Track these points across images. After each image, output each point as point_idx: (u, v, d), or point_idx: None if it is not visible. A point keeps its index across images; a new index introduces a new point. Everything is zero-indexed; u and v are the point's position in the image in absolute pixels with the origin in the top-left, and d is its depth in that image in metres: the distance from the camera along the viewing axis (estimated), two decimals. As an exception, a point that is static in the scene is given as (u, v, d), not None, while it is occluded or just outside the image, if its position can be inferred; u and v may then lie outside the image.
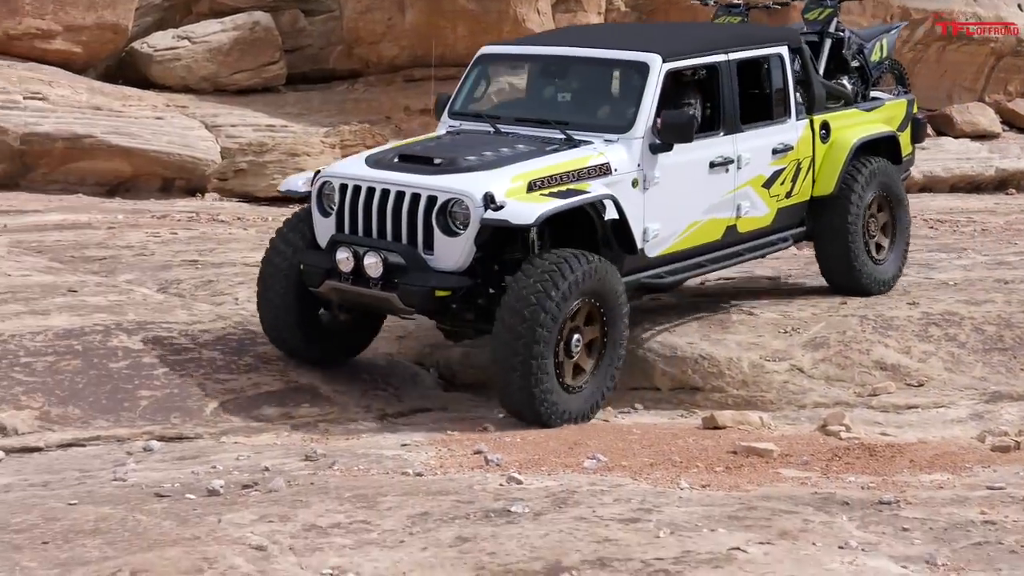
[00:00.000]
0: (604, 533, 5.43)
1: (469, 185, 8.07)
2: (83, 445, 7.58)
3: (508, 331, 7.92)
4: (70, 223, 12.67)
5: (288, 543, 5.22)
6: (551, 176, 8.33)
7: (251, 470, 6.77)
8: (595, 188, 8.41)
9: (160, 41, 17.56)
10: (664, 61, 8.97)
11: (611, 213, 8.50)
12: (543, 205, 8.04)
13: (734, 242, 9.66)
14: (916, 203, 17.95)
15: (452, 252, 8.09)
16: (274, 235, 9.01)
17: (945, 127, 21.12)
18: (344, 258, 8.30)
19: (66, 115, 14.98)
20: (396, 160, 8.60)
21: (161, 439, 7.65)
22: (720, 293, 10.72)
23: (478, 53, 9.82)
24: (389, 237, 8.23)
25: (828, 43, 10.96)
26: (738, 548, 5.34)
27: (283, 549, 5.15)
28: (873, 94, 11.28)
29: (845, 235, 10.19)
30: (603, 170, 8.58)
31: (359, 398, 8.70)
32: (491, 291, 8.25)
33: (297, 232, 8.83)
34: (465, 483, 6.36)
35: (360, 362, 9.27)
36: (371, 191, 8.32)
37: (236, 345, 9.04)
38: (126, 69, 17.56)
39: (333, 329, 9.01)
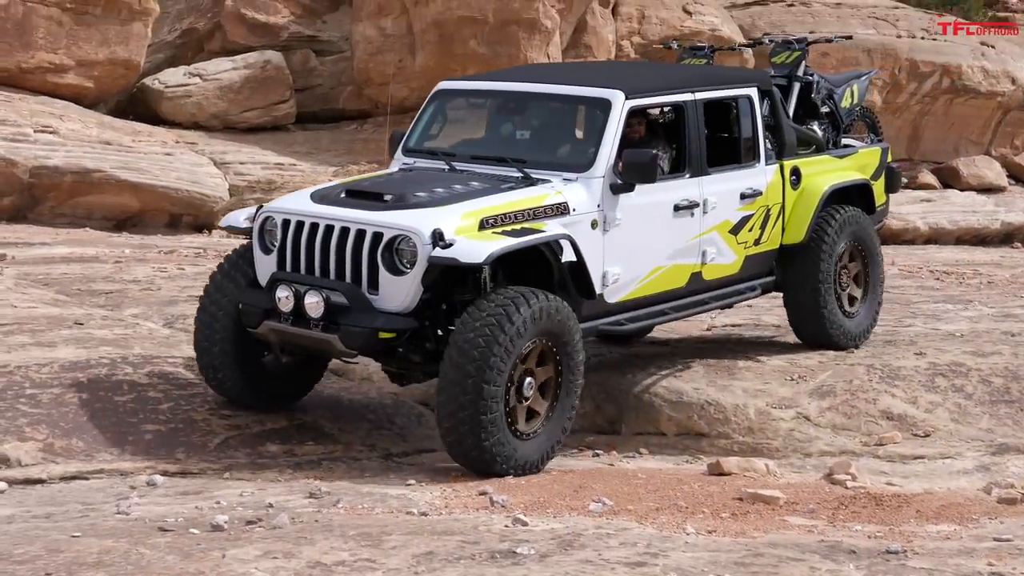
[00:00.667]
0: (610, 576, 5.39)
1: (417, 222, 7.68)
2: (86, 478, 7.56)
3: (455, 374, 7.49)
4: (77, 256, 12.68)
5: (292, 580, 5.19)
6: (504, 214, 7.94)
7: (255, 506, 6.73)
8: (551, 228, 8.03)
9: (171, 78, 17.67)
10: (627, 98, 8.61)
11: (568, 255, 8.10)
12: (494, 243, 7.66)
13: (699, 290, 9.23)
14: (922, 254, 18.05)
15: (398, 292, 7.69)
16: (212, 273, 8.60)
17: (951, 180, 21.22)
18: (284, 297, 7.86)
19: (76, 149, 15.03)
20: (343, 195, 8.19)
21: (164, 474, 7.62)
22: (726, 340, 10.70)
23: (435, 88, 9.45)
24: (332, 275, 7.82)
25: (797, 87, 10.66)
26: (745, 594, 5.30)
27: (287, 586, 5.12)
28: (845, 141, 10.97)
29: (815, 286, 9.81)
30: (560, 210, 8.17)
31: (364, 437, 8.68)
32: (439, 333, 7.89)
33: (238, 270, 8.39)
34: (470, 523, 6.32)
35: (365, 401, 9.25)
36: (314, 227, 7.91)
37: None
38: (137, 105, 17.66)
39: (276, 373, 8.60)
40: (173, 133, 16.79)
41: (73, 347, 9.07)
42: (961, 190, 20.97)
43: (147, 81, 17.65)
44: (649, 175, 8.36)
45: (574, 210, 8.23)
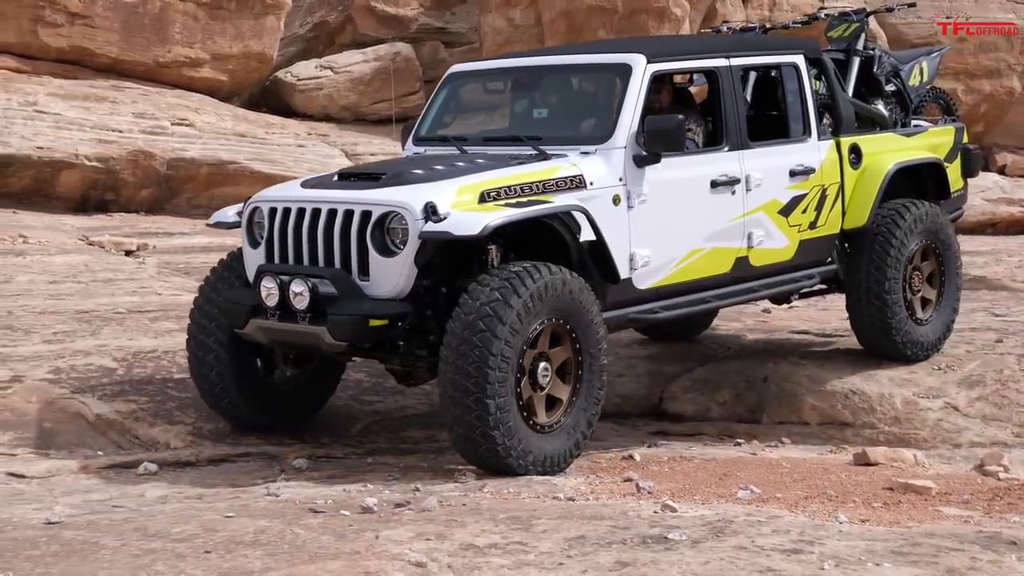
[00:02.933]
0: (766, 563, 5.30)
1: (408, 196, 6.94)
2: (234, 461, 7.65)
3: (455, 367, 6.73)
4: (216, 245, 12.83)
5: (447, 561, 5.17)
6: (509, 187, 7.15)
7: (402, 490, 6.75)
8: (564, 202, 7.27)
9: (303, 71, 17.84)
10: (650, 62, 7.82)
11: (587, 233, 7.31)
12: (493, 214, 6.88)
13: (747, 276, 8.34)
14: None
15: (390, 275, 6.94)
16: (200, 286, 7.90)
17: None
18: (269, 289, 7.14)
19: (211, 141, 15.24)
20: (335, 179, 7.59)
21: (310, 457, 7.68)
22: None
23: (447, 72, 8.78)
24: (321, 263, 7.11)
25: (856, 61, 9.80)
26: (906, 583, 5.18)
27: (442, 567, 5.11)
28: (915, 122, 10.10)
29: (881, 291, 8.88)
30: (575, 183, 7.37)
31: (505, 424, 8.64)
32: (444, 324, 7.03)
33: (233, 273, 7.70)
34: (619, 509, 6.26)
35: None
36: (301, 212, 7.21)
37: (381, 367, 9.05)
38: (269, 97, 17.85)
39: (283, 389, 7.96)
40: (305, 125, 16.95)
41: (217, 333, 9.16)
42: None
43: (279, 74, 17.84)
44: (675, 143, 7.53)
45: (591, 184, 7.43)
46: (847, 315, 9.26)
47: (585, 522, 5.88)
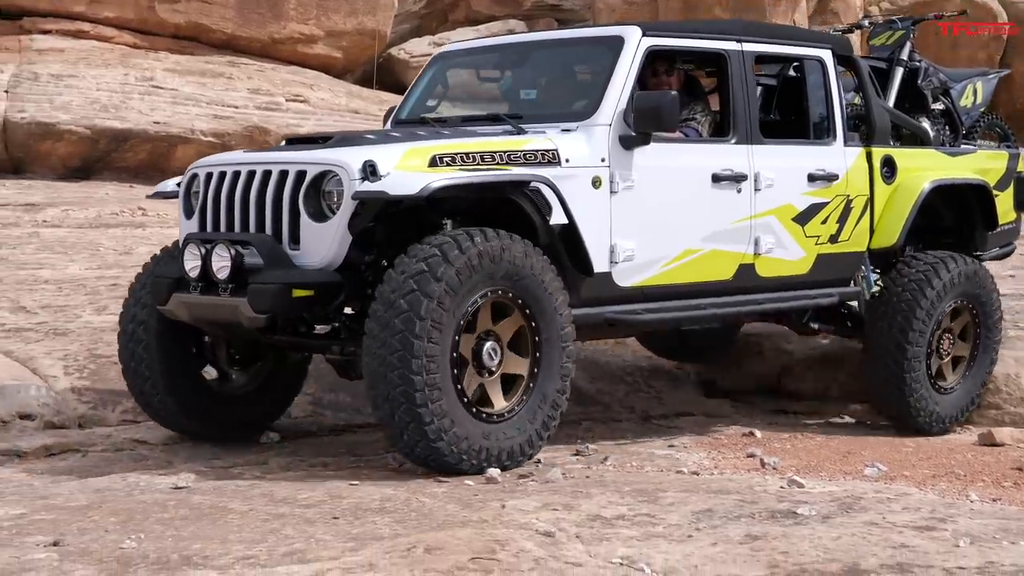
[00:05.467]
0: (899, 539, 5.20)
1: (347, 156, 6.22)
2: (354, 431, 7.68)
3: (376, 352, 5.97)
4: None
5: (574, 531, 5.13)
6: (467, 153, 6.35)
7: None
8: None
9: (416, 48, 17.86)
10: (645, 35, 7.04)
11: (558, 216, 6.55)
12: (437, 175, 6.11)
13: (752, 287, 7.46)
14: None
15: (321, 242, 6.22)
16: (144, 265, 7.20)
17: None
18: (191, 258, 6.45)
19: (325, 117, 15.30)
20: (283, 144, 7.00)
21: (429, 428, 7.67)
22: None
23: (434, 53, 8.13)
24: (252, 229, 6.43)
25: (900, 72, 8.89)
26: (1045, 562, 5.05)
27: (570, 537, 5.07)
28: (965, 145, 9.06)
29: (900, 353, 7.93)
30: (547, 158, 6.56)
31: (622, 398, 8.65)
32: None
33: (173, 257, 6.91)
34: (745, 484, 6.19)
35: (621, 363, 9.18)
36: (236, 175, 6.53)
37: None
38: (383, 74, 17.89)
39: (228, 395, 7.18)
40: (418, 102, 16.98)
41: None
42: None
43: (393, 51, 17.88)
44: (667, 122, 6.70)
45: (567, 161, 6.62)
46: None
47: (712, 496, 5.82)
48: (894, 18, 9.46)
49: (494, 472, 6.22)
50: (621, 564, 4.79)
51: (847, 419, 8.69)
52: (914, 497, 6.11)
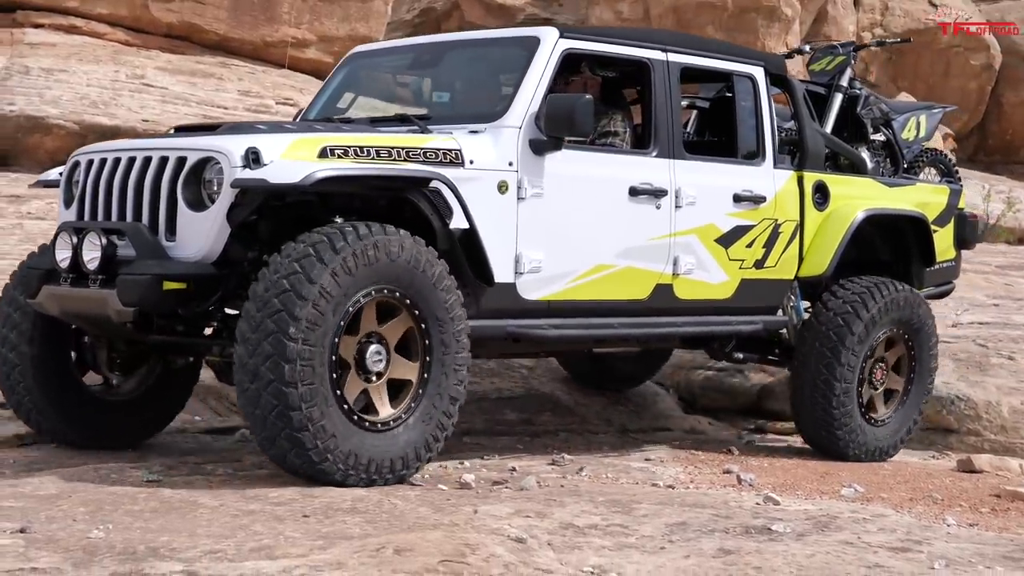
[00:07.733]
0: (874, 559, 5.16)
1: (230, 143, 5.86)
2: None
3: (247, 355, 5.58)
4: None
5: (546, 538, 5.09)
6: (361, 147, 5.95)
7: (498, 468, 6.71)
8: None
9: (408, 56, 17.82)
10: (562, 37, 6.72)
11: (459, 220, 6.20)
12: (322, 164, 5.76)
13: (669, 309, 7.10)
14: None
15: (198, 233, 5.86)
16: (21, 263, 6.80)
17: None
18: (63, 248, 6.13)
19: (315, 122, 15.26)
20: (171, 132, 6.70)
21: (406, 434, 7.62)
22: (974, 336, 10.27)
23: (347, 54, 7.77)
24: (129, 218, 6.09)
25: (838, 98, 8.65)
26: (1019, 587, 5.03)
27: (542, 544, 5.03)
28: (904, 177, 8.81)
29: (829, 384, 7.66)
30: (449, 158, 6.20)
31: (599, 411, 8.62)
32: None
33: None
34: (720, 499, 6.15)
35: (601, 377, 9.13)
36: (117, 162, 6.22)
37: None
38: (374, 81, 17.86)
39: (108, 403, 6.78)
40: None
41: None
42: None
43: (384, 59, 17.86)
44: (579, 126, 6.34)
45: (471, 162, 6.27)
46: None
47: (686, 509, 5.78)
48: (835, 43, 9.20)
49: (469, 478, 6.19)
50: (592, 573, 4.74)
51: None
52: (890, 519, 6.07)
